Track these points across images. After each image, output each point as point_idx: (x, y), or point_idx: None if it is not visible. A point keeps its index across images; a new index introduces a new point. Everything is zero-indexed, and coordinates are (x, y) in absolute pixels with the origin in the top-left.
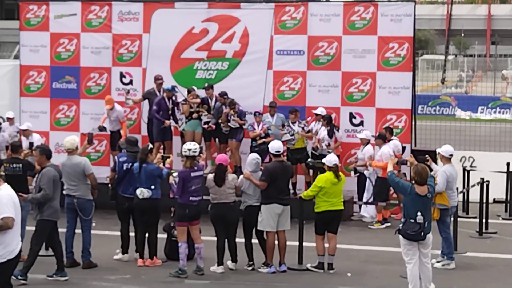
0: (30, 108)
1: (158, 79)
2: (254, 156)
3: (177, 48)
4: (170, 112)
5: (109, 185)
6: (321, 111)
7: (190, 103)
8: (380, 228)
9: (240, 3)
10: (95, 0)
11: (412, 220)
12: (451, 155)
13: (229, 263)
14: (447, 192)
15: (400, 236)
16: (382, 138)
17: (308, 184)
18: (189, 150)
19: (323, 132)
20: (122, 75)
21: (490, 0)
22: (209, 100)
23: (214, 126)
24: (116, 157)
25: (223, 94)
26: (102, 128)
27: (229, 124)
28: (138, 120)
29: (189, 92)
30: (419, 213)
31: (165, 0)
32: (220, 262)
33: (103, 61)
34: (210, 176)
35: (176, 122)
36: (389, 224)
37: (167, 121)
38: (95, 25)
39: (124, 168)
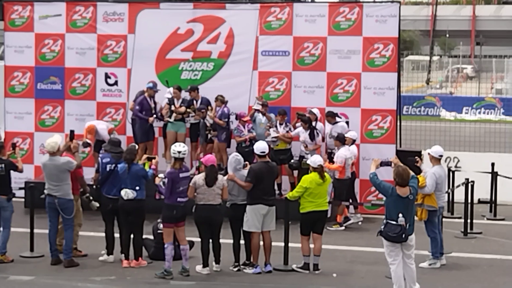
0: (15, 109)
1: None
2: (234, 154)
3: (162, 48)
4: (153, 111)
5: (94, 186)
6: (316, 111)
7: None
8: (339, 230)
9: (225, 3)
10: (80, 0)
11: (394, 222)
12: (441, 155)
13: (214, 265)
14: (436, 193)
15: (382, 238)
16: (340, 140)
17: (291, 185)
18: (179, 152)
19: (304, 134)
20: (107, 76)
21: (474, 1)
22: (195, 102)
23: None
24: (99, 158)
25: (194, 88)
26: (86, 145)
27: (206, 120)
28: (123, 121)
29: (190, 91)
30: (400, 215)
31: (150, 0)
32: (205, 264)
33: (88, 62)
34: (198, 177)
35: (162, 119)
36: (351, 221)
37: (150, 118)
38: (80, 25)
39: (108, 169)
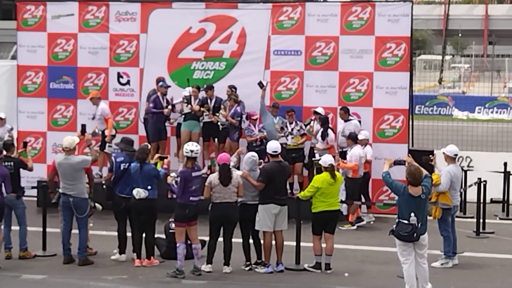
0: (28, 109)
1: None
2: (251, 154)
3: (174, 48)
4: (159, 110)
5: (104, 185)
6: (321, 110)
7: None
8: (351, 229)
9: (237, 3)
10: (93, 0)
11: (405, 221)
12: (456, 154)
13: (224, 267)
14: (451, 192)
15: (394, 237)
16: (353, 138)
17: (300, 185)
18: (192, 151)
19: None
20: (119, 75)
21: (487, 0)
22: (209, 101)
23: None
24: (113, 157)
25: (231, 86)
26: (94, 133)
27: (218, 117)
28: (135, 121)
29: (206, 90)
30: (412, 214)
31: (162, 0)
32: (209, 261)
33: (100, 61)
34: (213, 176)
35: (173, 111)
36: (363, 222)
37: (165, 110)
38: (92, 25)
39: (122, 168)
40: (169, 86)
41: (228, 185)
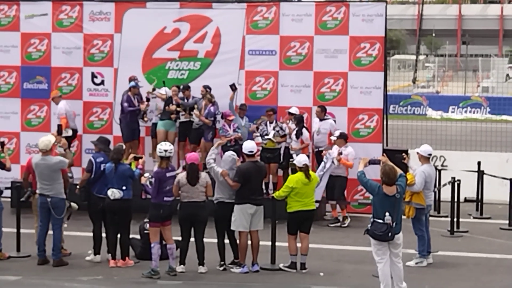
0: (1, 109)
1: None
2: (230, 153)
3: (148, 48)
4: (135, 107)
5: (78, 186)
6: (295, 110)
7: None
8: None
9: (212, 3)
10: (66, 0)
11: (380, 221)
12: (430, 154)
13: (199, 267)
14: (424, 191)
15: (369, 236)
16: (344, 138)
17: (274, 185)
18: (165, 151)
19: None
20: (93, 75)
21: (460, 0)
22: (186, 101)
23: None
24: (92, 158)
25: (206, 87)
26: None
27: (192, 117)
28: (109, 121)
29: (184, 90)
30: (387, 214)
31: (136, 0)
32: (182, 262)
33: (74, 61)
34: (182, 175)
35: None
36: (338, 224)
37: (142, 105)
38: (66, 25)
39: (101, 168)
40: (140, 87)
41: (196, 184)
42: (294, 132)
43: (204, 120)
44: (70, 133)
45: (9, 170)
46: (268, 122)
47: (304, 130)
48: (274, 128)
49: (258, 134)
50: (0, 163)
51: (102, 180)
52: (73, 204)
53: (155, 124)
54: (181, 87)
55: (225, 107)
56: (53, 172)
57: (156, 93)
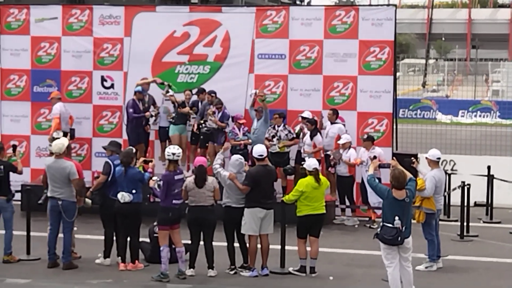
0: (11, 112)
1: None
2: (237, 157)
3: (158, 52)
4: (141, 114)
5: (90, 189)
6: (307, 114)
7: (176, 102)
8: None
9: (221, 7)
10: (76, 3)
11: (390, 225)
12: (439, 158)
13: (208, 271)
14: (435, 196)
15: (379, 240)
16: (371, 140)
17: (283, 189)
18: (173, 154)
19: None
20: (103, 79)
21: (470, 4)
22: (199, 104)
23: (196, 126)
24: (109, 160)
25: (211, 92)
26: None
27: (207, 123)
28: (119, 124)
29: (198, 93)
30: (396, 218)
31: (146, 3)
32: (192, 265)
33: (84, 65)
34: (190, 179)
35: (147, 123)
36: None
37: (147, 113)
38: (76, 28)
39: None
40: (145, 93)
41: (203, 187)
42: (308, 135)
43: (220, 125)
44: (60, 135)
45: (20, 173)
46: (275, 126)
47: (318, 133)
48: (281, 132)
49: (275, 143)
50: (12, 167)
51: (118, 183)
52: (87, 200)
53: (163, 128)
54: (196, 90)
55: (234, 111)
56: (64, 176)
57: (169, 96)
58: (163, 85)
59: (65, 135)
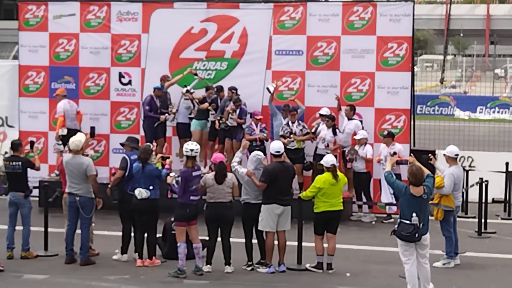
0: (29, 108)
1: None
2: (256, 153)
3: (176, 48)
4: (159, 111)
5: (109, 185)
6: (326, 111)
7: (194, 99)
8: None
9: (239, 3)
10: (94, 0)
11: (407, 221)
12: (457, 155)
13: (225, 267)
14: (453, 193)
15: (396, 237)
16: (392, 136)
17: (300, 186)
18: (191, 150)
19: (325, 132)
20: (121, 75)
21: (488, 0)
22: (219, 101)
23: (217, 123)
24: (126, 156)
25: (232, 88)
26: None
27: (226, 121)
28: (137, 120)
29: (207, 89)
30: (414, 214)
31: (164, 0)
32: (209, 261)
33: (102, 61)
34: (210, 175)
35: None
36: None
37: (162, 116)
38: (94, 25)
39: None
40: (164, 92)
41: (222, 183)
42: (331, 131)
43: (239, 121)
44: (65, 132)
45: (38, 169)
46: (290, 122)
47: (337, 130)
48: (296, 127)
49: (292, 140)
50: (29, 163)
51: (135, 178)
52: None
53: (182, 124)
54: (215, 88)
55: (252, 106)
56: (81, 172)
57: (188, 95)
58: (196, 76)
59: (69, 132)
